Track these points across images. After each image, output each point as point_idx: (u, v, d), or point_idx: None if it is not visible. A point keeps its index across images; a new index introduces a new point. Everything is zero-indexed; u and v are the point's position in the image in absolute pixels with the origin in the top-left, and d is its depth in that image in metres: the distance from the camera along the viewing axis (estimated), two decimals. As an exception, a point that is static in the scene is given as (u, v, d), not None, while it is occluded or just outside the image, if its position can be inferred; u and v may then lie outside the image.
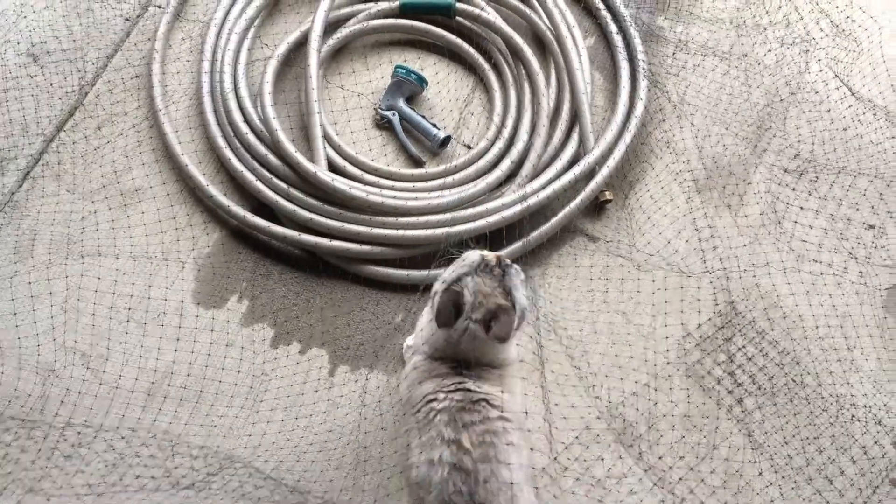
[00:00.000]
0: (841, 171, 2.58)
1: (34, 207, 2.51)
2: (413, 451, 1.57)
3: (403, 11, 2.81)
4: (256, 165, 2.54)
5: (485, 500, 1.43)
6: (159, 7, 2.91)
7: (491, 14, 2.79)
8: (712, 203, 2.59)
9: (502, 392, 1.59)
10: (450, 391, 1.58)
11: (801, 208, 2.55)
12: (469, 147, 2.69)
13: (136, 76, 2.76)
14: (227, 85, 2.64)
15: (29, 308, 2.34)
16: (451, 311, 1.60)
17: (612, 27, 2.85)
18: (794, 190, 2.57)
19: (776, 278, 2.47)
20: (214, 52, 2.72)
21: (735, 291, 2.44)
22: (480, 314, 1.59)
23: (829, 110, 2.68)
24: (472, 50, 2.79)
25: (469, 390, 1.57)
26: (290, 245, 2.48)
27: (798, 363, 2.32)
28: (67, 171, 2.58)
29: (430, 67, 2.82)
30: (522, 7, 2.85)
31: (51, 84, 2.72)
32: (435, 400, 1.58)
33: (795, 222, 2.54)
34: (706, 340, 2.36)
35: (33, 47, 2.79)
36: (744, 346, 2.34)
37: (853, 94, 2.63)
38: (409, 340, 2.14)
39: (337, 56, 2.83)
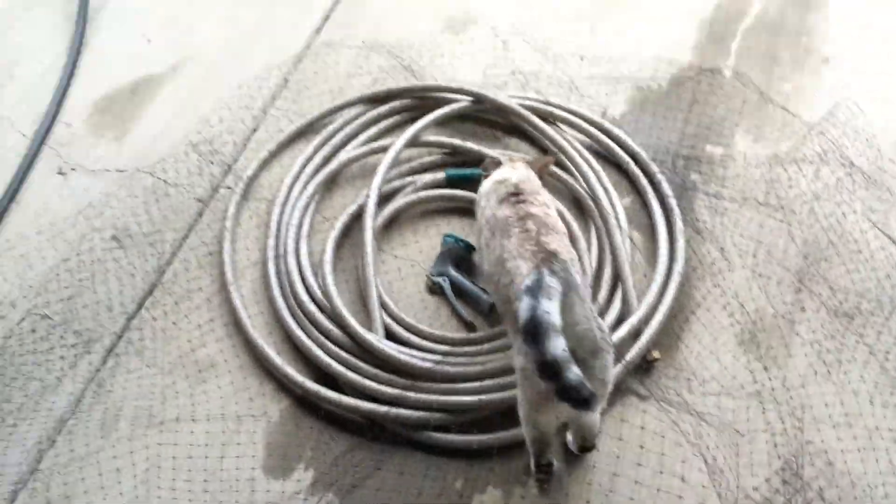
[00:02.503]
0: (888, 317, 2.60)
1: (118, 383, 2.73)
2: (509, 259, 2.17)
3: (449, 181, 3.02)
4: (317, 334, 2.71)
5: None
6: (229, 188, 3.19)
7: (532, 180, 2.96)
8: (758, 356, 2.63)
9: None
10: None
11: (851, 360, 2.56)
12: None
13: (209, 253, 3.02)
14: (291, 258, 2.86)
15: (114, 482, 2.51)
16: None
17: (646, 185, 3.00)
18: (842, 342, 2.60)
19: (826, 434, 2.47)
20: (279, 228, 2.96)
21: (788, 448, 2.44)
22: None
23: (868, 259, 2.73)
24: (515, 215, 2.95)
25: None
26: (351, 412, 2.60)
27: (860, 526, 2.30)
28: (148, 347, 2.80)
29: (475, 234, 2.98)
30: (560, 172, 3.03)
31: (132, 265, 2.99)
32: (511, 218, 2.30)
33: (844, 374, 2.56)
34: (766, 502, 2.36)
35: (117, 232, 3.09)
36: (803, 509, 2.33)
37: (894, 243, 2.68)
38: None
39: (389, 226, 3.04)
